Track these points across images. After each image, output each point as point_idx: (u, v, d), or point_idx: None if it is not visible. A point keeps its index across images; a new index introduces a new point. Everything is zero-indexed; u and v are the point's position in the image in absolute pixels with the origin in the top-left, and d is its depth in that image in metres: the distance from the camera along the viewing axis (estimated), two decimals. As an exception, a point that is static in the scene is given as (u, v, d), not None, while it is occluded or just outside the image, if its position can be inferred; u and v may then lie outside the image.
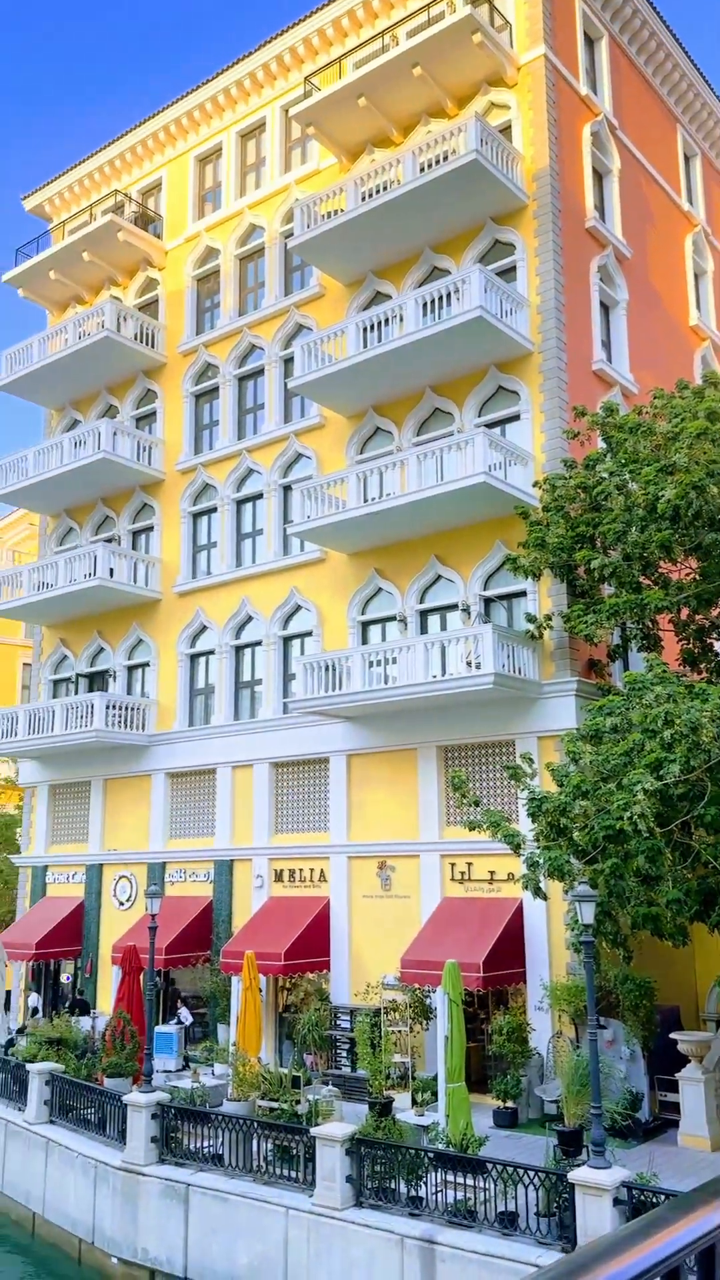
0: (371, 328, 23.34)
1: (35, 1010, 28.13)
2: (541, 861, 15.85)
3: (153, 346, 30.04)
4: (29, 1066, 21.07)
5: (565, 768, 16.22)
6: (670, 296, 27.87)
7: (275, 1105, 17.92)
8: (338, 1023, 21.86)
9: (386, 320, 23.05)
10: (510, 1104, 18.58)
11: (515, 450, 21.66)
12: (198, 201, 30.57)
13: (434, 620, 23.26)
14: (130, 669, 29.49)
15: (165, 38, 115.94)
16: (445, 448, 21.51)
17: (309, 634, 25.29)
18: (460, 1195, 14.08)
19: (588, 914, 14.21)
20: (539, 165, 22.95)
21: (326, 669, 22.54)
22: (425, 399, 23.81)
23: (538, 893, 16.52)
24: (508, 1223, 13.45)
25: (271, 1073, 19.36)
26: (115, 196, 31.80)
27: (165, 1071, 21.57)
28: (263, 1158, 16.39)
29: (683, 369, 27.33)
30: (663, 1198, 12.49)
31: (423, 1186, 14.47)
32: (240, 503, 27.63)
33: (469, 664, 20.36)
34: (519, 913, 20.13)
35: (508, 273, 23.14)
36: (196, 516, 28.63)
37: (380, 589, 24.06)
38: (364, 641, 24.06)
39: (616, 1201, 12.52)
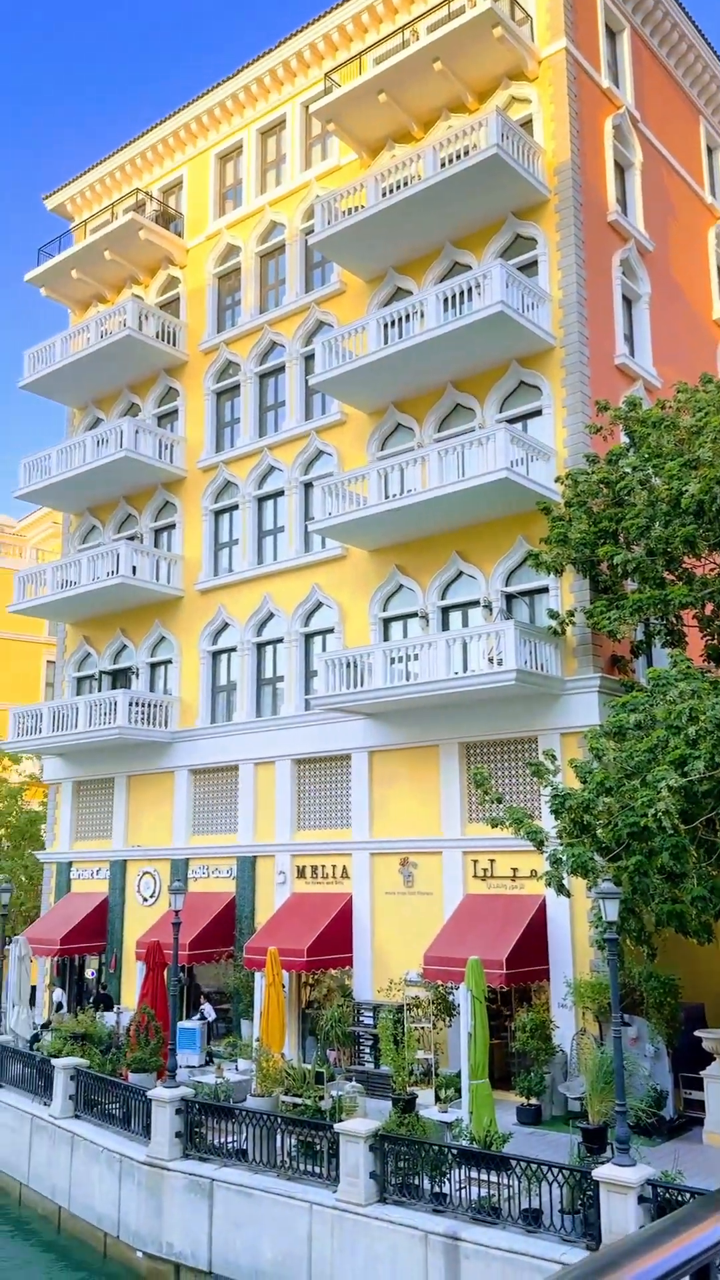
0: (392, 324, 23.29)
1: (60, 1005, 28.31)
2: (565, 858, 15.79)
3: (174, 345, 30.12)
4: (54, 1061, 21.21)
5: (588, 764, 16.16)
6: (693, 290, 27.68)
7: (299, 1101, 17.96)
8: (360, 1019, 21.89)
9: (407, 316, 23.00)
10: (534, 1101, 18.54)
11: (537, 445, 21.57)
12: (218, 199, 30.61)
13: (455, 617, 23.21)
14: (153, 666, 29.61)
15: (184, 37, 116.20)
16: (466, 443, 21.45)
17: (330, 631, 25.31)
18: (484, 1192, 14.05)
19: (612, 911, 14.14)
20: (560, 159, 22.83)
21: (348, 666, 22.55)
22: (446, 394, 23.75)
23: (561, 890, 16.47)
24: (532, 1220, 13.42)
25: (295, 1068, 19.41)
26: (136, 195, 31.89)
27: (188, 1067, 21.67)
28: (286, 1153, 16.43)
29: (706, 363, 27.14)
30: (688, 1196, 12.43)
31: (446, 1183, 14.45)
32: (261, 500, 27.67)
33: (491, 660, 20.30)
34: (542, 910, 20.08)
35: (529, 267, 23.04)
36: (218, 514, 28.70)
37: (401, 585, 24.04)
38: (385, 638, 24.04)
39: (641, 1199, 12.46)
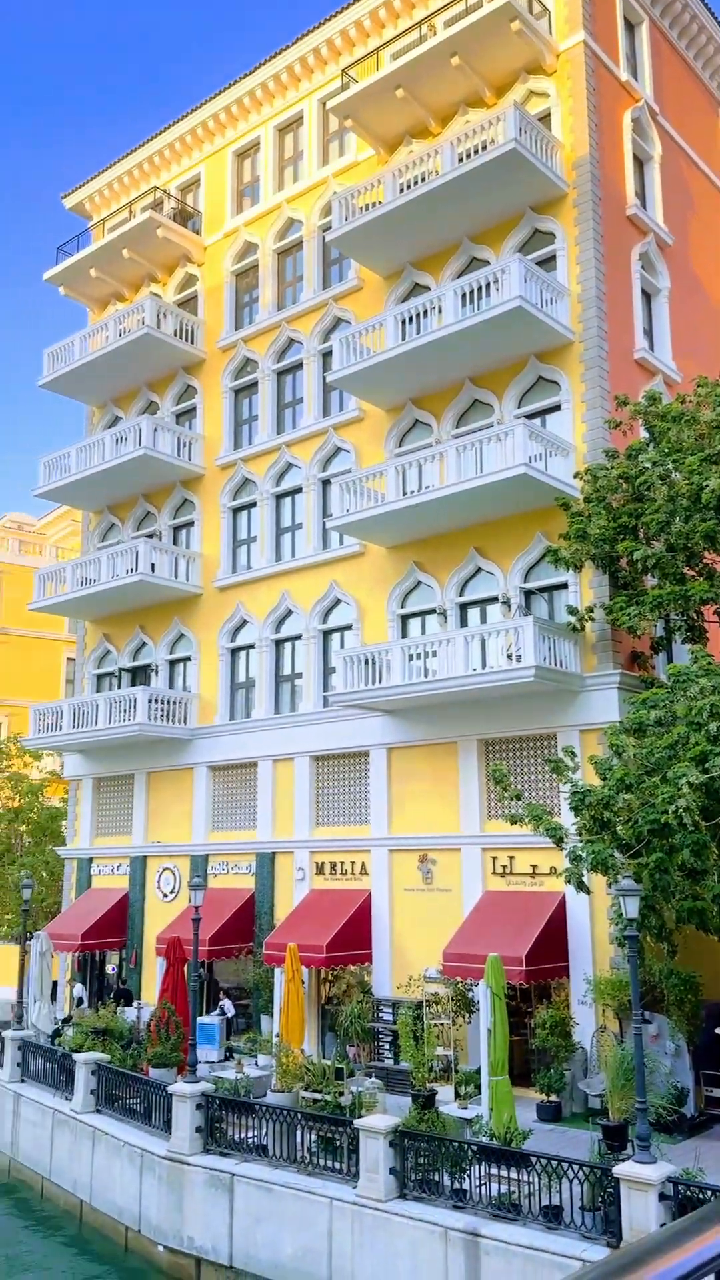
0: (410, 320, 23.25)
1: (81, 1001, 28.47)
2: (585, 855, 15.74)
3: (192, 342, 30.17)
4: (76, 1056, 21.35)
5: (608, 761, 16.10)
6: (713, 283, 27.49)
7: (319, 1097, 18.00)
8: (380, 1015, 21.91)
9: (425, 312, 22.95)
10: (553, 1098, 18.52)
11: (556, 441, 21.49)
12: (236, 196, 30.63)
13: (474, 613, 23.17)
14: (172, 663, 29.71)
15: (202, 35, 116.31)
16: (485, 439, 21.39)
17: (348, 628, 25.31)
18: (504, 1188, 14.05)
19: (632, 908, 14.09)
20: (579, 153, 22.72)
21: (366, 662, 22.55)
22: (464, 390, 23.69)
23: (581, 887, 16.42)
24: (552, 1217, 13.41)
25: (315, 1064, 19.45)
26: (154, 193, 31.95)
27: (208, 1062, 21.77)
28: (307, 1149, 16.48)
29: (726, 357, 26.94)
30: (709, 1194, 12.39)
31: (466, 1179, 14.45)
32: (279, 497, 27.70)
33: (509, 657, 20.25)
34: (561, 906, 20.03)
35: (547, 262, 22.94)
36: (236, 511, 28.75)
37: (419, 582, 24.01)
38: (403, 635, 24.03)
39: (662, 1196, 12.43)
